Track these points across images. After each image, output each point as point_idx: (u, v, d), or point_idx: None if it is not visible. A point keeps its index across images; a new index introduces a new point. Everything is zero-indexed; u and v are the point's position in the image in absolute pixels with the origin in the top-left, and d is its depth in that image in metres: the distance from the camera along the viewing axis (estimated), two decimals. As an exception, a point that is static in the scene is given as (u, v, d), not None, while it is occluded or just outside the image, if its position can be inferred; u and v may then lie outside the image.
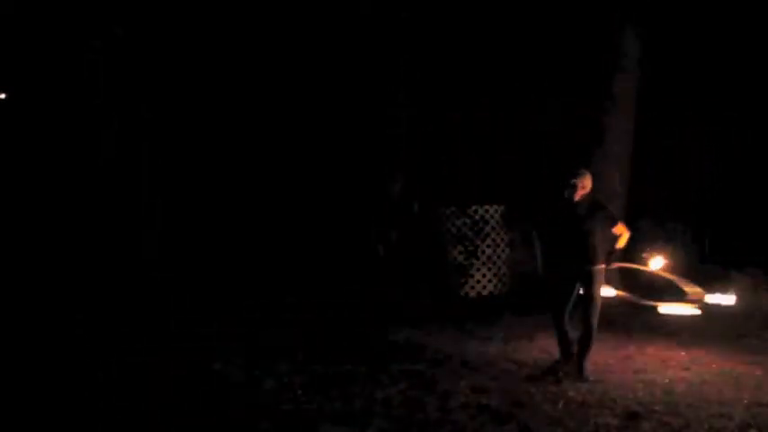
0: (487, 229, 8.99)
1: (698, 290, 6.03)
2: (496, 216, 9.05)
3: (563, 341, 5.74)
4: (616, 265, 5.92)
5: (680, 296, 6.28)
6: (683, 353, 6.41)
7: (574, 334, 5.74)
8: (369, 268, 9.30)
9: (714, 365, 6.01)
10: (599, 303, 5.56)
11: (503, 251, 9.07)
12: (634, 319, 7.60)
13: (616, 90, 8.48)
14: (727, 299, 5.90)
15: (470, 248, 8.95)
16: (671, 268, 6.59)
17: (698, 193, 10.09)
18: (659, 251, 6.31)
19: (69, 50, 9.21)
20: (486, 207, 9.04)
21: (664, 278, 6.42)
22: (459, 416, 4.94)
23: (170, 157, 9.58)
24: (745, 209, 9.84)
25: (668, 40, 9.27)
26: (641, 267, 6.43)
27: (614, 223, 5.65)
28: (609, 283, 6.03)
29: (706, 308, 6.65)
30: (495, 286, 8.99)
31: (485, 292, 8.93)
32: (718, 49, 9.62)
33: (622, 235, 5.66)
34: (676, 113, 9.87)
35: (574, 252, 5.54)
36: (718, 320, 7.51)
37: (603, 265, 5.55)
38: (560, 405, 5.07)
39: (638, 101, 8.66)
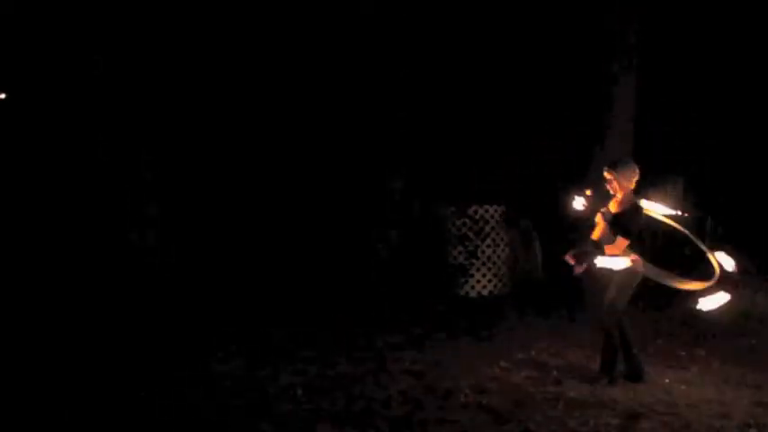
0: (487, 229, 8.99)
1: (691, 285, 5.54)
2: (496, 216, 9.04)
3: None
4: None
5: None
6: (682, 353, 6.42)
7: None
8: (368, 268, 9.30)
9: (714, 365, 6.02)
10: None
11: (503, 251, 9.07)
12: (633, 319, 7.59)
13: (616, 90, 8.47)
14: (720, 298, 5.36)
15: (470, 248, 8.95)
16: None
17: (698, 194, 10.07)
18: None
19: (69, 50, 9.20)
20: (486, 207, 9.04)
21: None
22: (459, 416, 4.95)
23: (168, 157, 9.56)
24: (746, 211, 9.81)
25: (668, 39, 9.25)
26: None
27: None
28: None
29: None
30: (495, 286, 8.99)
31: (485, 292, 8.92)
32: (718, 47, 9.61)
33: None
34: (676, 114, 9.85)
35: None
36: (718, 320, 7.52)
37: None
38: (560, 405, 5.08)
39: (637, 100, 8.65)
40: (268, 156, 10.00)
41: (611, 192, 5.49)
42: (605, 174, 5.48)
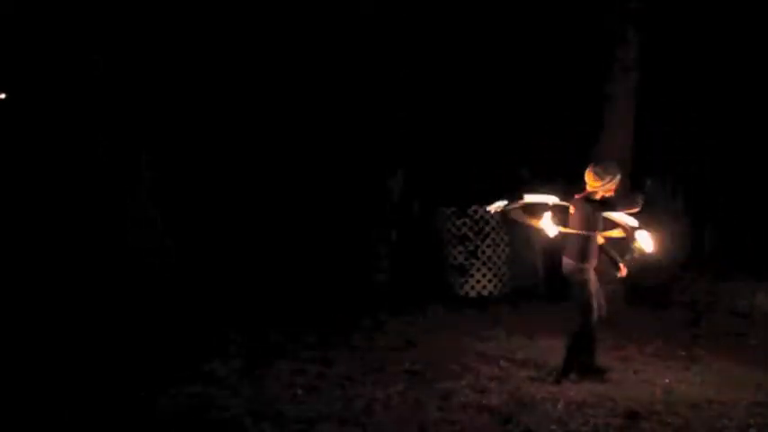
0: (487, 229, 8.99)
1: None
2: (497, 216, 9.04)
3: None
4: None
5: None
6: (683, 353, 6.42)
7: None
8: (369, 268, 9.30)
9: (714, 365, 6.02)
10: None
11: (503, 251, 9.07)
12: (633, 320, 7.60)
13: (616, 90, 8.47)
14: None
15: (470, 248, 8.95)
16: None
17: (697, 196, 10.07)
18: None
19: (69, 50, 9.20)
20: (487, 207, 9.03)
21: None
22: (459, 416, 4.95)
23: (168, 157, 9.56)
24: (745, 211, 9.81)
25: (668, 39, 9.25)
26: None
27: None
28: None
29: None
30: (495, 286, 8.99)
31: (485, 292, 8.93)
32: (718, 47, 9.60)
33: None
34: (676, 114, 9.85)
35: None
36: (719, 321, 7.53)
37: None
38: (560, 405, 5.07)
39: (637, 100, 8.65)
40: (268, 156, 10.00)
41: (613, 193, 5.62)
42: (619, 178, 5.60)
